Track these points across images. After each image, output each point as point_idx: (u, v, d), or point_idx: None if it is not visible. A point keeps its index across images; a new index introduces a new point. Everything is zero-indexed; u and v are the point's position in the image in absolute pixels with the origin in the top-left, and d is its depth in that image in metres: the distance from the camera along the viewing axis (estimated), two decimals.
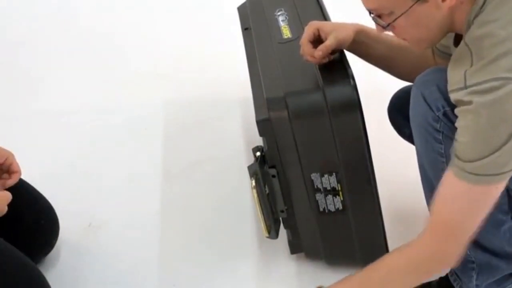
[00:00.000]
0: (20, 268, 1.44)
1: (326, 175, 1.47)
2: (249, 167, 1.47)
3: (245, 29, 1.88)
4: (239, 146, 2.05)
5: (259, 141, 1.54)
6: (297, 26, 1.69)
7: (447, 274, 1.53)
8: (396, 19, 1.23)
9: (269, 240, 1.58)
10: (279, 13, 1.78)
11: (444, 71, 1.22)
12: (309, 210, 1.54)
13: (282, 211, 1.55)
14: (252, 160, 1.51)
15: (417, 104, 1.29)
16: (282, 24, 1.74)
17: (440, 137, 1.28)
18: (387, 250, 1.58)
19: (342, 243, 1.60)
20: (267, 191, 1.52)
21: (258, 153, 1.50)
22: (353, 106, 1.36)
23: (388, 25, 1.25)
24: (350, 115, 1.38)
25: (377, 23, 1.28)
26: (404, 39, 1.33)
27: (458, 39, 1.31)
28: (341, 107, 1.38)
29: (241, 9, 1.97)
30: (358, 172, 1.45)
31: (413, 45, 1.35)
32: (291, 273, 1.71)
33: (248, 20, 1.88)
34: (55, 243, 1.72)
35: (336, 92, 1.38)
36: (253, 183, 1.45)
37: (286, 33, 1.69)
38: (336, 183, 1.47)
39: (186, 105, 1.99)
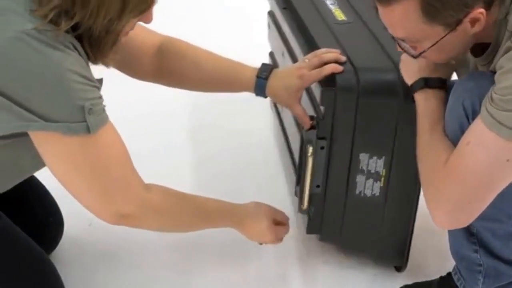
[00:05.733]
0: (35, 262, 1.46)
1: (375, 157, 1.46)
2: (305, 133, 1.44)
3: (284, 8, 1.87)
4: (255, 139, 2.08)
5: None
6: (350, 10, 1.70)
7: (449, 273, 1.54)
8: (428, 49, 1.23)
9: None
10: None
11: (486, 78, 1.20)
12: (344, 191, 1.51)
13: (318, 186, 1.50)
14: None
15: (455, 111, 1.27)
16: (332, 7, 1.74)
17: None
18: (409, 248, 1.58)
19: (366, 231, 1.58)
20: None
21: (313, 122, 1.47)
22: None
23: (420, 54, 1.26)
24: None
25: (405, 51, 1.29)
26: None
27: (477, 48, 1.32)
28: None
29: None
30: (408, 162, 1.42)
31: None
32: (295, 275, 1.70)
33: (287, 0, 1.87)
34: (59, 240, 1.71)
35: None
36: (310, 150, 1.41)
37: (340, 16, 1.69)
38: (382, 167, 1.46)
39: (204, 99, 1.96)
